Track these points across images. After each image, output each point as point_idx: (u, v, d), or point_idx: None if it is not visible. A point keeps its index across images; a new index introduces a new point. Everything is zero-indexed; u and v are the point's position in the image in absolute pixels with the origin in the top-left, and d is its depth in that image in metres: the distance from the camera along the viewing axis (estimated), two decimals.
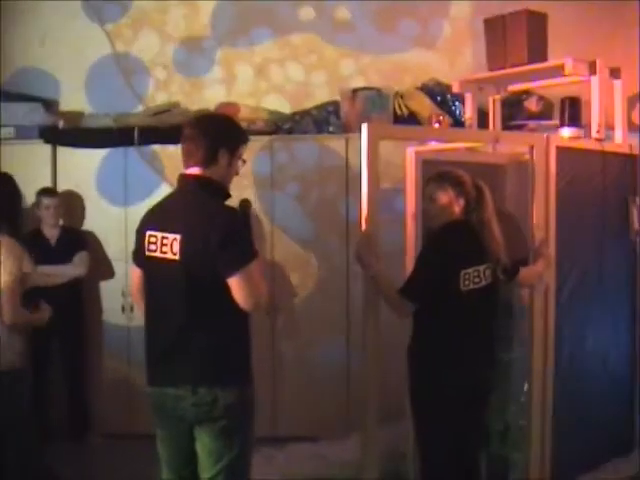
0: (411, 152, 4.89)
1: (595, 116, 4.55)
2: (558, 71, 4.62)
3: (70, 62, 6.63)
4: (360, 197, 3.90)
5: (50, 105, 6.32)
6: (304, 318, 5.99)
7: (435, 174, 4.01)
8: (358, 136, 5.69)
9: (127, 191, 6.03)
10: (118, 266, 5.93)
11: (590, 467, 4.51)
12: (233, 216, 3.33)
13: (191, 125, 3.47)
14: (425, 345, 3.86)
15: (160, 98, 6.58)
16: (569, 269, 4.39)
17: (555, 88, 5.27)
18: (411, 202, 4.88)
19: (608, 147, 4.61)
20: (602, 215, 4.58)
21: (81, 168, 6.07)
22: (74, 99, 6.61)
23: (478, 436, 3.96)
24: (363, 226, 3.86)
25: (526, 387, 4.46)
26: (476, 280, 3.80)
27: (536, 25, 4.70)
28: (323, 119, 5.92)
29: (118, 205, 6.04)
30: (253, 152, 5.68)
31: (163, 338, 3.37)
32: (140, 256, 3.47)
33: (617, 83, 4.67)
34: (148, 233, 3.40)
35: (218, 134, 3.41)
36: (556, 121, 5.44)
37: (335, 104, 6.03)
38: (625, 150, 4.70)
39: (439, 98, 5.87)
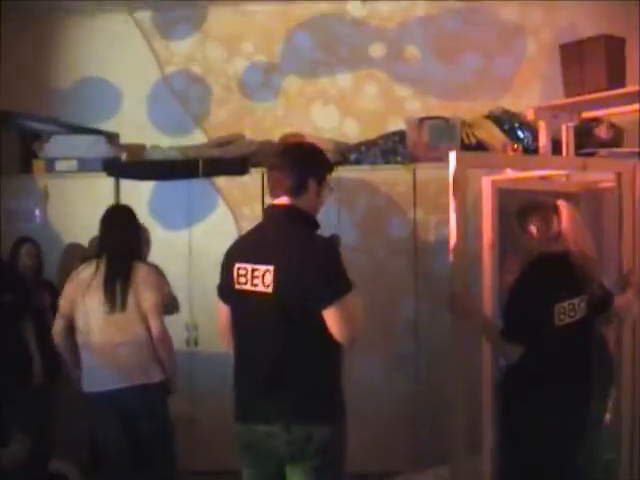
0: (487, 181, 4.81)
1: None
2: (636, 97, 4.56)
3: (134, 77, 6.82)
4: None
5: (112, 137, 6.32)
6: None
7: (527, 203, 3.93)
8: (424, 165, 5.70)
9: (189, 219, 5.98)
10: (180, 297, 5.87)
11: None
12: (328, 247, 3.26)
13: (279, 155, 3.44)
14: (520, 381, 3.75)
15: (218, 120, 6.70)
16: None
17: (629, 114, 5.19)
18: (488, 232, 4.80)
19: None
20: None
21: (138, 197, 6.04)
22: (135, 114, 6.77)
23: (572, 472, 3.84)
24: (451, 258, 3.77)
25: (608, 418, 4.36)
26: (571, 314, 3.70)
27: (614, 50, 4.65)
28: (389, 149, 5.85)
29: (178, 232, 5.99)
30: None
31: (255, 374, 3.29)
32: (228, 290, 3.40)
33: None
34: (237, 265, 3.33)
35: (307, 163, 3.37)
36: (630, 148, 5.40)
37: (400, 134, 5.97)
38: None
39: (507, 126, 5.80)
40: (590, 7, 5.93)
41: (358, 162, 5.92)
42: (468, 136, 5.84)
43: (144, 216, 5.96)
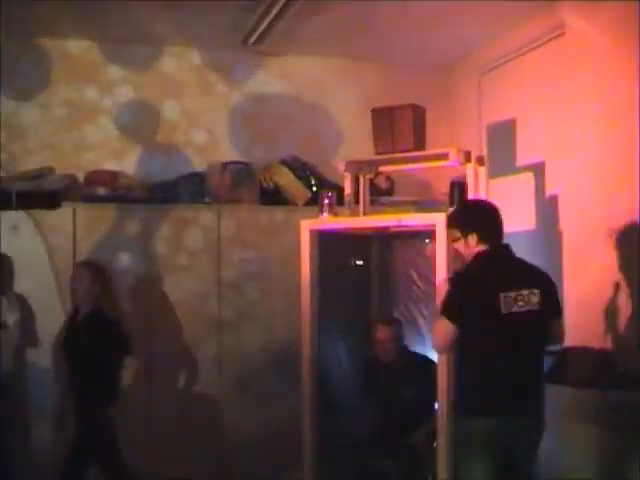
0: (305, 226, 5.42)
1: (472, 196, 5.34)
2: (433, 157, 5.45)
3: None
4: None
5: None
6: None
7: None
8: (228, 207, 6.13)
9: None
10: None
11: None
12: None
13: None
14: None
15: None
16: None
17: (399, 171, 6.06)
18: (306, 271, 5.39)
19: None
20: None
21: None
22: None
23: None
24: None
25: None
26: None
27: (419, 117, 5.47)
28: (196, 190, 6.24)
29: None
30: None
31: (513, 375, 3.99)
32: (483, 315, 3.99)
33: (482, 170, 5.52)
34: (503, 294, 3.97)
35: None
36: (402, 197, 6.33)
37: (199, 175, 6.38)
38: None
39: (300, 173, 6.44)
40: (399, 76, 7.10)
41: (164, 201, 6.20)
42: (266, 180, 6.42)
43: None
